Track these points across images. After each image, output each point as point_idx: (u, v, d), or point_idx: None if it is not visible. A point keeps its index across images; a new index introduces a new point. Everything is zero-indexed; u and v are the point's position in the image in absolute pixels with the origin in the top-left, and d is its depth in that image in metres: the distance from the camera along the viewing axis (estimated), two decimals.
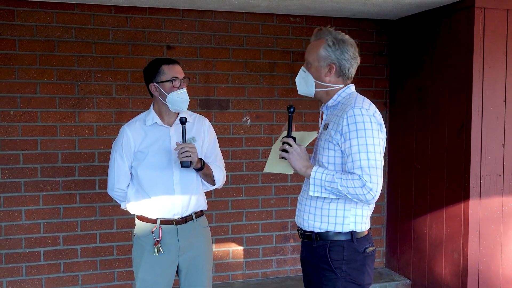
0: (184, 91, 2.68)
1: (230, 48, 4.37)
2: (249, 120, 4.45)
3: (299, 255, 4.59)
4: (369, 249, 2.30)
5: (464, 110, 3.84)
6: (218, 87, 4.36)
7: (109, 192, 2.86)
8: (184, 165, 2.59)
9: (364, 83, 4.66)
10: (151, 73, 2.73)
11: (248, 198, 4.49)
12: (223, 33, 4.34)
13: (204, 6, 4.10)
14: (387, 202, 4.84)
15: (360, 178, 2.14)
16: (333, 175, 2.20)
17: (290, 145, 2.28)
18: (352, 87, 2.38)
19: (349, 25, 4.61)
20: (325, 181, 2.21)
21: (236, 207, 4.47)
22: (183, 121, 2.62)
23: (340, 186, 2.17)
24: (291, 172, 2.33)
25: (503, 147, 3.87)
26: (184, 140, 2.63)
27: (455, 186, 3.95)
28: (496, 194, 3.87)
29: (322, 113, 2.45)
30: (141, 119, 2.80)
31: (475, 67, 3.75)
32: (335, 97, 2.35)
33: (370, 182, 2.14)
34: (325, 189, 2.22)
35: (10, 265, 3.97)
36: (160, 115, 2.77)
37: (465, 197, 3.84)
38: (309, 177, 2.25)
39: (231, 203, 4.45)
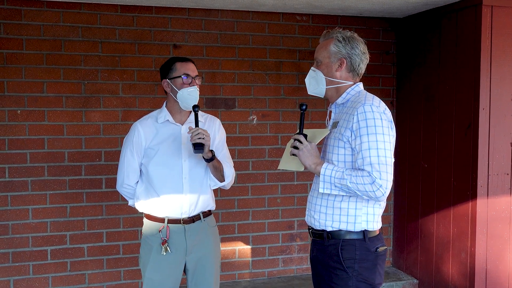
0: (194, 88, 2.69)
1: (236, 47, 4.37)
2: (255, 119, 4.45)
3: (306, 254, 4.62)
4: (380, 249, 2.30)
5: (472, 109, 3.82)
6: (224, 86, 4.36)
7: (118, 188, 2.87)
8: (196, 148, 2.56)
9: (371, 82, 4.64)
10: (165, 70, 2.77)
11: (255, 197, 4.49)
12: (230, 32, 4.34)
13: (210, 5, 4.09)
14: (394, 201, 4.83)
15: (370, 175, 2.14)
16: (343, 171, 2.19)
17: (301, 142, 2.29)
18: (361, 85, 2.39)
19: (356, 24, 4.60)
20: (334, 177, 2.20)
21: (242, 206, 4.46)
22: (195, 110, 2.62)
23: (350, 182, 2.16)
24: (302, 169, 2.32)
25: (511, 146, 3.85)
26: (197, 125, 2.62)
27: (462, 185, 3.93)
28: (504, 193, 3.84)
29: (330, 112, 2.46)
30: (154, 116, 2.81)
31: (482, 65, 3.73)
32: (344, 95, 2.35)
33: (380, 179, 2.13)
34: (335, 186, 2.21)
35: (17, 264, 3.99)
36: (172, 113, 2.78)
37: (473, 196, 3.82)
38: (319, 174, 2.25)
39: (237, 202, 4.45)
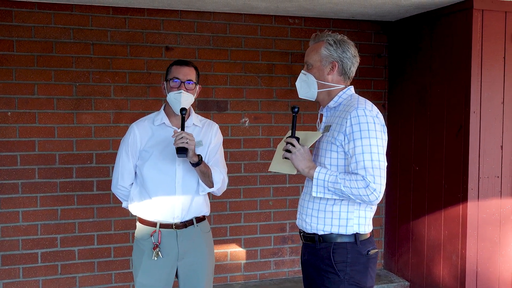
0: (181, 92, 2.64)
1: (228, 49, 4.36)
2: (247, 122, 4.45)
3: (298, 257, 4.61)
4: (372, 252, 2.30)
5: (463, 112, 3.84)
6: (216, 88, 4.35)
7: (113, 189, 2.85)
8: (179, 152, 2.52)
9: (363, 85, 4.66)
10: (166, 72, 2.77)
11: (247, 200, 4.48)
12: (222, 34, 4.33)
13: (202, 7, 4.09)
14: (386, 204, 4.84)
15: (364, 179, 2.14)
16: (336, 175, 2.19)
17: (293, 145, 2.27)
18: (352, 89, 2.38)
19: (348, 27, 4.61)
20: (328, 181, 2.20)
21: (234, 208, 4.46)
22: (182, 113, 2.59)
23: (344, 186, 2.16)
24: (294, 172, 2.31)
25: (501, 149, 3.88)
26: (182, 129, 2.59)
27: (453, 188, 3.95)
28: (494, 196, 3.87)
29: (321, 116, 2.45)
30: (151, 118, 2.79)
31: (473, 69, 3.75)
32: (336, 98, 2.35)
33: (374, 183, 2.14)
34: (328, 190, 2.21)
35: (7, 267, 3.96)
36: (169, 116, 2.76)
37: (464, 199, 3.84)
38: (312, 178, 2.24)
39: (229, 204, 4.44)
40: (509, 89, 3.86)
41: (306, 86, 2.39)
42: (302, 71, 2.40)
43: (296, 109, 2.33)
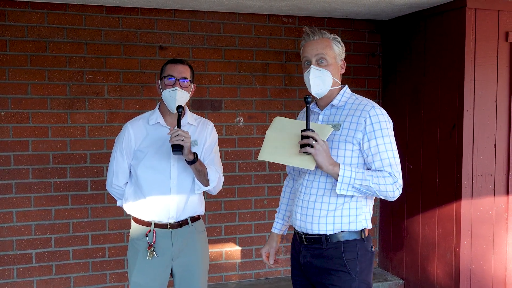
0: (175, 90, 2.62)
1: (222, 49, 4.36)
2: (241, 121, 4.45)
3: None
4: (373, 248, 2.35)
5: (456, 110, 3.85)
6: (210, 87, 4.35)
7: (108, 187, 2.84)
8: (175, 149, 2.49)
9: (357, 84, 4.67)
10: (160, 71, 2.76)
11: (241, 199, 4.49)
12: (216, 34, 4.33)
13: (196, 6, 4.09)
14: (380, 202, 4.86)
15: (391, 175, 2.19)
16: (363, 172, 2.18)
17: (316, 140, 2.15)
18: (348, 88, 2.41)
19: (342, 26, 4.62)
20: (354, 178, 2.17)
21: (229, 207, 4.46)
22: (179, 111, 2.58)
23: (372, 183, 2.17)
24: (313, 168, 2.19)
25: (495, 147, 3.89)
26: (178, 126, 2.57)
27: (447, 186, 3.97)
28: (488, 194, 3.89)
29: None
30: (145, 117, 2.78)
31: (466, 68, 3.77)
32: (338, 97, 2.35)
33: (400, 179, 2.21)
34: (353, 187, 2.18)
35: (1, 268, 3.94)
36: (163, 115, 2.74)
37: (457, 197, 3.86)
38: (335, 175, 2.17)
39: (224, 204, 4.44)
40: (502, 88, 3.88)
41: (320, 83, 2.30)
42: (313, 66, 2.29)
43: (309, 99, 2.18)
